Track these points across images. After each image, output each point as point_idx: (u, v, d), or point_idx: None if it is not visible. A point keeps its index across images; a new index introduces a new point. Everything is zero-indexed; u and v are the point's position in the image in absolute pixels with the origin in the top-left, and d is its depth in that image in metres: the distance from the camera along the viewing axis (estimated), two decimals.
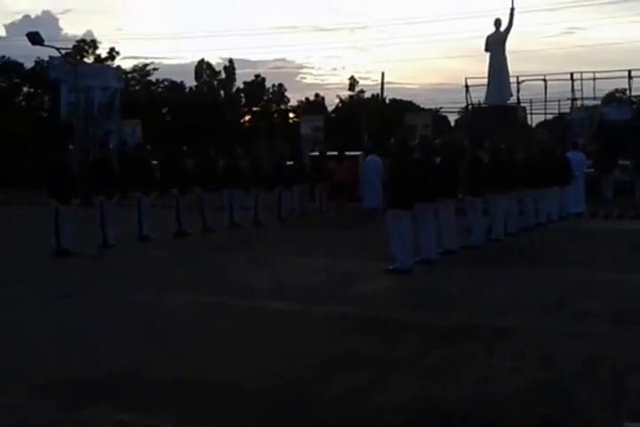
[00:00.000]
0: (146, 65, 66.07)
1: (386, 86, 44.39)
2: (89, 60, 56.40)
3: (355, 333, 7.93)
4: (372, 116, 44.42)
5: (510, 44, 31.00)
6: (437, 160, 12.84)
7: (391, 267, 11.39)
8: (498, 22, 30.13)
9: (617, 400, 5.74)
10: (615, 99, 50.85)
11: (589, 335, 7.68)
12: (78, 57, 46.25)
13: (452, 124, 54.69)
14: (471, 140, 14.57)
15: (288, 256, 13.49)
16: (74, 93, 30.15)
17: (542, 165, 16.63)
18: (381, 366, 6.67)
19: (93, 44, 61.84)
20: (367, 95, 71.13)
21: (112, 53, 62.56)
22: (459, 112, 49.30)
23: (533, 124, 42.29)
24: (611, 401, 5.72)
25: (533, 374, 6.37)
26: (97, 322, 8.54)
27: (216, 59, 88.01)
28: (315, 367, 6.63)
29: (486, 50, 30.37)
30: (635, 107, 40.94)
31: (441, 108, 49.32)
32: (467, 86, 38.01)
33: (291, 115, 67.21)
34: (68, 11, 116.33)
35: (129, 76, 59.25)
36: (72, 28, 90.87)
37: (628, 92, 40.75)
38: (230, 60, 72.84)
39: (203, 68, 73.12)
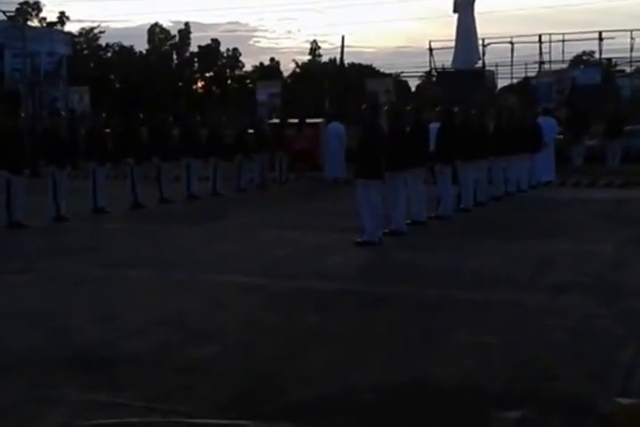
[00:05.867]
0: (93, 28, 64.22)
1: (344, 50, 43.31)
2: (32, 23, 54.53)
3: (327, 308, 7.54)
4: (332, 82, 43.60)
5: (476, 5, 30.26)
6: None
7: (360, 239, 10.89)
8: None
9: (605, 375, 5.36)
10: (582, 61, 50.05)
11: (568, 309, 7.30)
12: (21, 20, 44.59)
13: (413, 89, 53.77)
14: (442, 107, 13.99)
15: (250, 229, 12.90)
16: (18, 59, 28.79)
17: (513, 131, 16.10)
18: (357, 342, 6.27)
19: (37, 6, 59.86)
20: (324, 59, 69.80)
21: (62, 18, 60.84)
22: (420, 77, 48.53)
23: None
24: (598, 376, 5.35)
25: (514, 349, 6.03)
26: (53, 298, 8.00)
27: (165, 21, 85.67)
28: (287, 344, 6.22)
29: (455, 11, 29.55)
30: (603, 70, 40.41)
31: (402, 72, 48.38)
32: (430, 50, 37.16)
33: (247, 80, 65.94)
34: None
35: (76, 40, 57.58)
36: None
37: (595, 54, 40.12)
38: (186, 24, 70.79)
39: (155, 31, 70.67)
